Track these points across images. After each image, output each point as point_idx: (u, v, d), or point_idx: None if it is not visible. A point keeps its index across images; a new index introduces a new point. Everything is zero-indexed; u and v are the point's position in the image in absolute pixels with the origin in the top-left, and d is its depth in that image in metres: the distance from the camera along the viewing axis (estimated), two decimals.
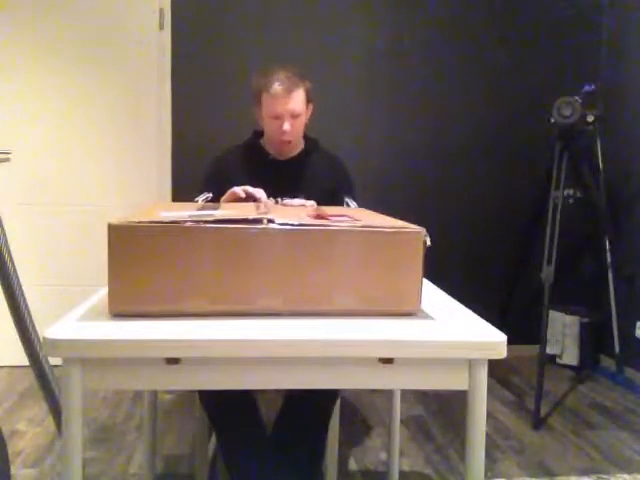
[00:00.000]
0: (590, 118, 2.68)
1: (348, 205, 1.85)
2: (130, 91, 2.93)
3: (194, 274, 1.00)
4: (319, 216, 1.18)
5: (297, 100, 1.81)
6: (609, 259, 2.95)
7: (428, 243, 1.05)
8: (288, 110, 1.80)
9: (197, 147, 2.93)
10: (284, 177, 1.86)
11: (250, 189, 1.64)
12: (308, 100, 1.88)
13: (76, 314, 1.04)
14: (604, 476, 2.00)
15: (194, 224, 1.00)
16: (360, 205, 1.87)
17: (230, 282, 1.01)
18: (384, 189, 3.11)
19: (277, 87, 1.78)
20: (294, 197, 1.76)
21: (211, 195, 1.82)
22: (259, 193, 1.64)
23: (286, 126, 1.80)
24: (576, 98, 2.65)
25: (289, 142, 1.86)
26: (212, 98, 2.99)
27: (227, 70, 2.97)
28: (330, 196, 1.82)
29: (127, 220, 0.99)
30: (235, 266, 1.01)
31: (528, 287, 3.15)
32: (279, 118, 1.81)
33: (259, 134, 1.98)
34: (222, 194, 1.73)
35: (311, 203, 1.65)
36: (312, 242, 1.03)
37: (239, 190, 1.63)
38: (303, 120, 1.87)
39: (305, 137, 1.98)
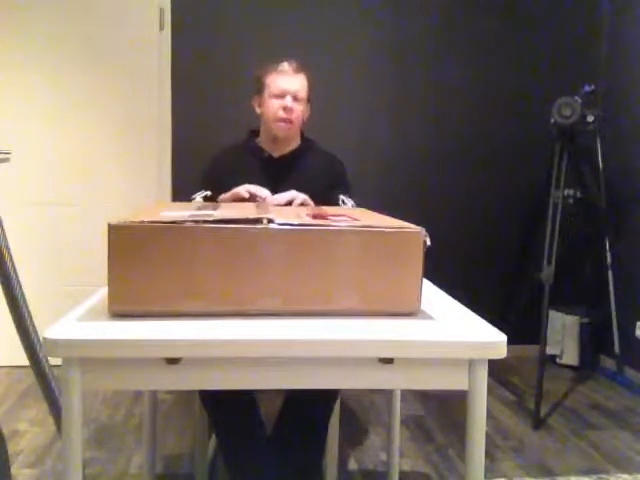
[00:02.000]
0: (590, 118, 2.68)
1: (344, 203, 1.84)
2: (130, 91, 2.93)
3: (194, 274, 1.00)
4: (319, 216, 1.18)
5: (302, 83, 1.87)
6: (609, 259, 2.95)
7: (428, 243, 1.05)
8: (293, 89, 1.83)
9: (197, 147, 2.93)
10: (279, 174, 1.86)
11: (253, 189, 1.64)
12: (309, 96, 1.91)
13: (76, 314, 1.04)
14: (604, 476, 2.00)
15: (194, 224, 1.00)
16: (360, 205, 1.86)
17: (230, 282, 1.01)
18: (384, 189, 3.11)
19: (286, 65, 1.86)
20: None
21: (209, 193, 1.82)
22: (263, 192, 1.64)
23: (288, 100, 1.82)
24: (576, 98, 2.65)
25: (289, 122, 1.85)
26: (212, 98, 2.99)
27: (227, 70, 2.97)
28: (325, 194, 1.82)
29: (127, 220, 0.99)
30: (235, 266, 1.01)
31: (528, 287, 3.15)
32: (283, 96, 1.83)
33: (254, 133, 1.98)
34: (219, 193, 1.73)
35: (303, 196, 1.65)
36: (312, 242, 1.03)
37: (242, 191, 1.64)
38: (302, 109, 1.88)
39: (302, 136, 1.99)
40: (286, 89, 1.83)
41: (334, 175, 1.95)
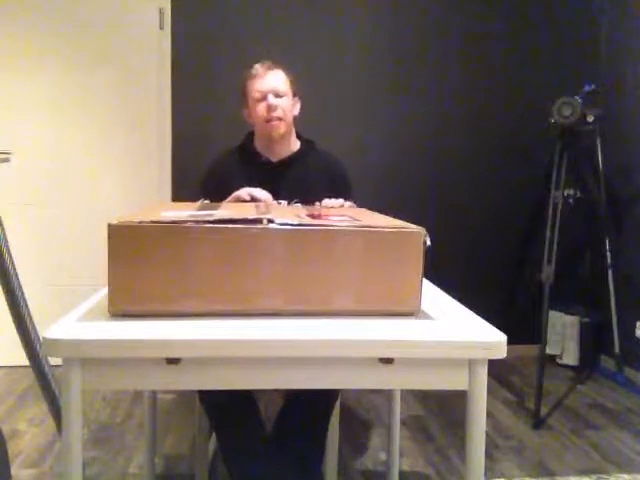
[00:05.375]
0: (590, 118, 2.68)
1: None
2: (130, 91, 2.93)
3: (194, 274, 1.00)
4: (319, 216, 1.18)
5: (278, 78, 1.86)
6: (609, 259, 2.95)
7: (428, 243, 1.05)
8: (270, 86, 1.83)
9: (197, 147, 2.93)
10: (277, 179, 1.84)
11: (255, 193, 1.64)
12: (293, 91, 1.90)
13: (76, 314, 1.04)
14: (604, 476, 2.00)
15: (194, 224, 1.00)
16: (360, 205, 1.86)
17: (230, 282, 1.01)
18: (384, 189, 3.11)
19: (257, 67, 1.86)
20: (289, 200, 1.76)
21: (209, 202, 1.82)
22: (263, 195, 1.64)
23: (271, 99, 1.82)
24: (576, 98, 2.65)
25: (278, 120, 1.84)
26: (212, 98, 2.99)
27: (227, 70, 2.97)
28: (326, 197, 1.81)
29: (127, 220, 0.99)
30: (235, 266, 1.01)
31: (528, 287, 3.15)
32: (263, 99, 1.83)
33: (252, 135, 1.98)
34: (220, 200, 1.73)
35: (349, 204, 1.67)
36: (312, 242, 1.03)
37: (243, 194, 1.64)
38: (288, 102, 1.87)
39: (300, 138, 1.98)
40: (264, 89, 1.83)
41: (335, 178, 1.93)
